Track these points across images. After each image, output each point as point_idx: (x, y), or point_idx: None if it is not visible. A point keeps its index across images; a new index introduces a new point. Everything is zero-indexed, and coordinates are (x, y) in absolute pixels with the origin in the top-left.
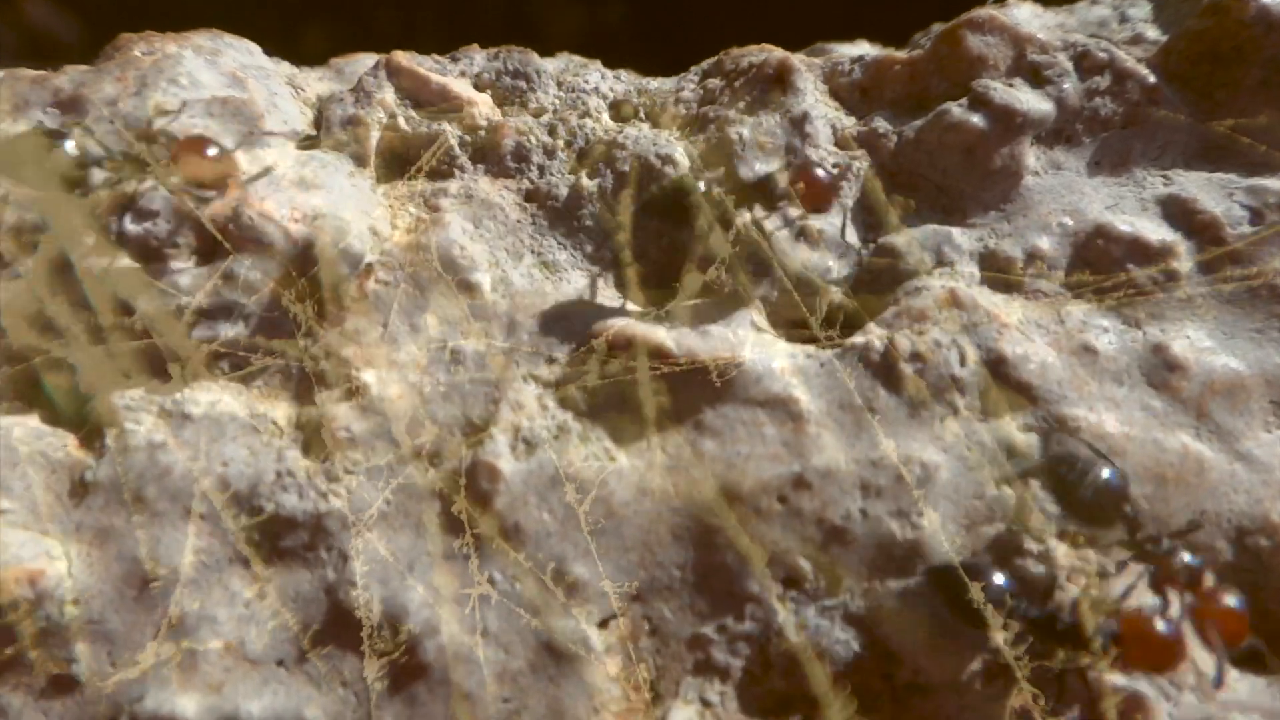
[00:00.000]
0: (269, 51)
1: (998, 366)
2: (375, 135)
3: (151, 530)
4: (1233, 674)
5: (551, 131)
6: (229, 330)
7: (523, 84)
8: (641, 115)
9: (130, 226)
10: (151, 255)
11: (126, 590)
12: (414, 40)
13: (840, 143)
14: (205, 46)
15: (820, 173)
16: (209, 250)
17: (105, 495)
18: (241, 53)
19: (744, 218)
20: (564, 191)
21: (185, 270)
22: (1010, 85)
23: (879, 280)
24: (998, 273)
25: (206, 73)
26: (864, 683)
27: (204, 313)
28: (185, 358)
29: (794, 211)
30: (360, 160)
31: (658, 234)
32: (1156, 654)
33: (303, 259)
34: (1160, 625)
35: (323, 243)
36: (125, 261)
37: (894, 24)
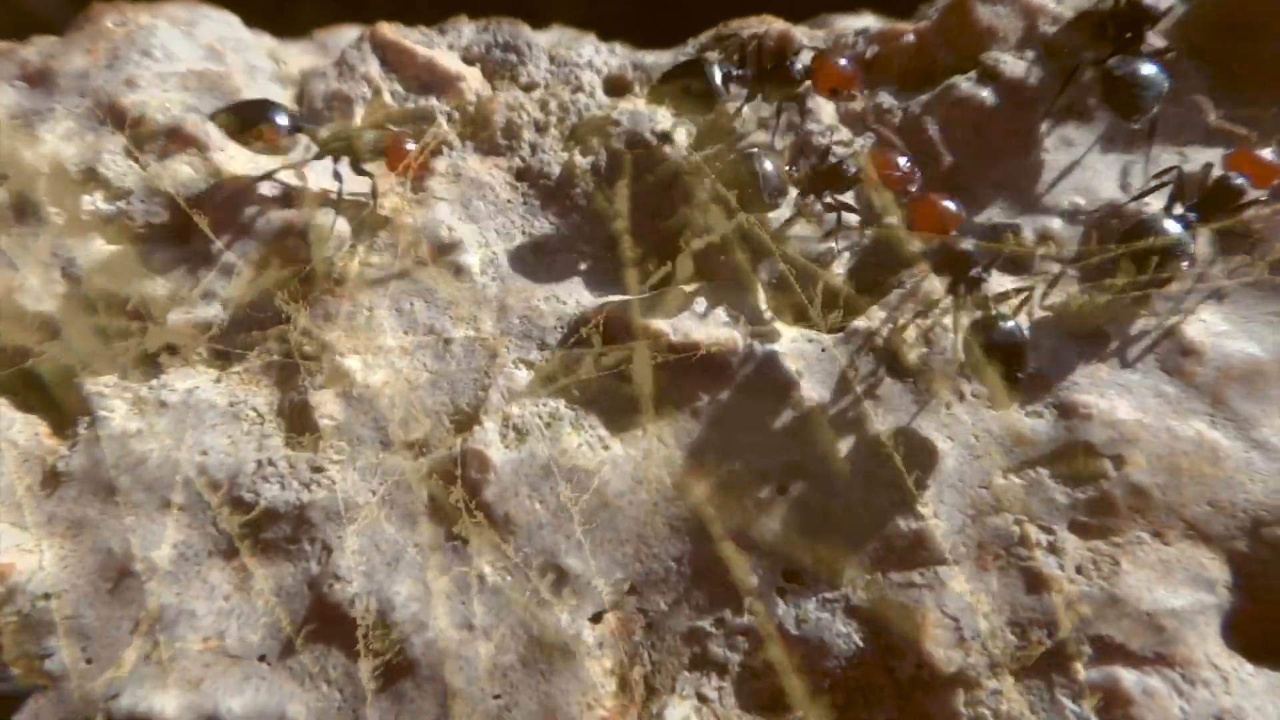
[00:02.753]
0: (250, 23)
1: None
2: (359, 111)
3: (127, 522)
4: (1248, 668)
5: (543, 107)
6: (207, 314)
7: (513, 57)
8: (637, 90)
9: (103, 206)
10: (125, 236)
11: (102, 584)
12: (410, 15)
13: (844, 118)
14: (181, 17)
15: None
16: (185, 231)
17: (79, 485)
18: (220, 24)
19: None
20: (556, 170)
21: (161, 252)
22: (1021, 58)
23: (884, 263)
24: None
25: (181, 45)
26: (866, 677)
27: (181, 296)
28: (161, 342)
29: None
30: None
31: (654, 219)
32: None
33: (284, 241)
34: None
35: (305, 223)
36: (99, 243)
37: None
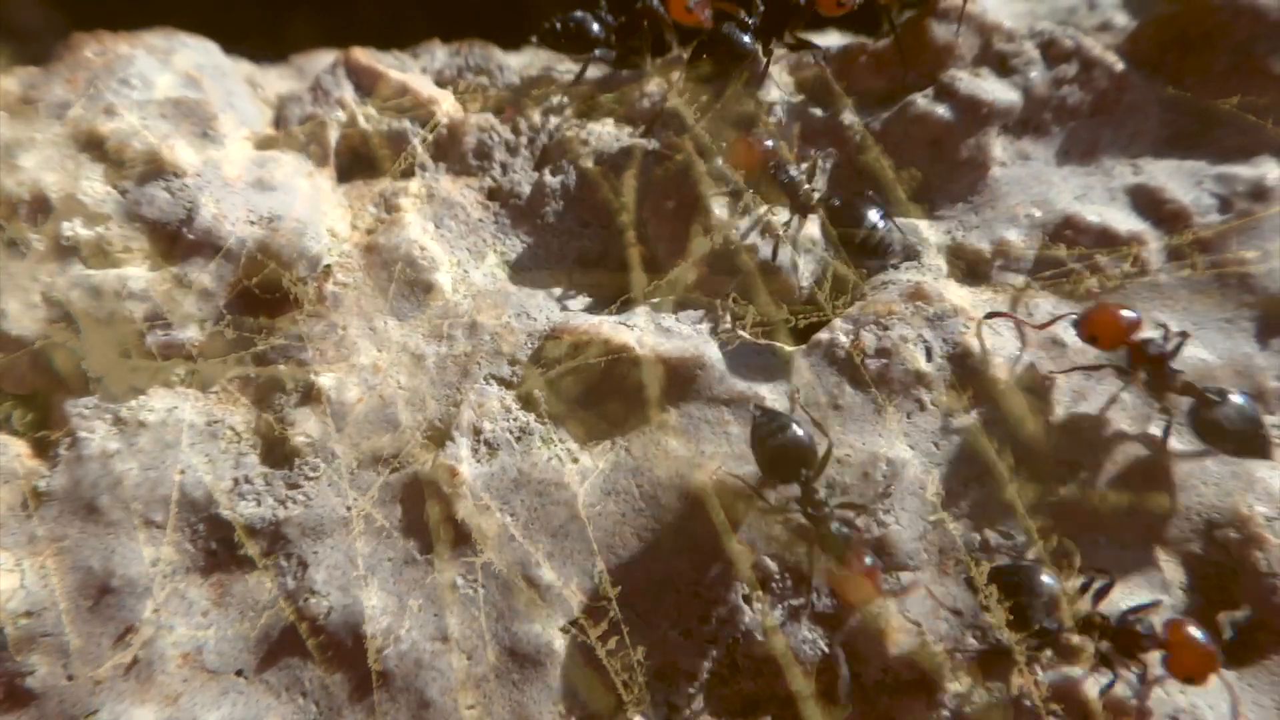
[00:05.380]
0: (239, 44)
1: (964, 361)
2: (334, 134)
3: (107, 540)
4: None
5: (514, 128)
6: (185, 335)
7: (485, 80)
8: (605, 110)
9: (82, 231)
10: (104, 261)
11: (82, 602)
12: (401, 31)
13: (807, 136)
14: (159, 46)
15: None
16: (163, 254)
17: (59, 505)
18: (197, 52)
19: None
20: (527, 189)
21: (138, 276)
22: (977, 75)
23: (845, 275)
24: (965, 265)
25: (159, 73)
26: (832, 682)
27: (158, 318)
28: (138, 363)
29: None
30: (319, 160)
31: (656, 216)
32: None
33: (259, 262)
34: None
35: (279, 245)
36: (78, 268)
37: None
